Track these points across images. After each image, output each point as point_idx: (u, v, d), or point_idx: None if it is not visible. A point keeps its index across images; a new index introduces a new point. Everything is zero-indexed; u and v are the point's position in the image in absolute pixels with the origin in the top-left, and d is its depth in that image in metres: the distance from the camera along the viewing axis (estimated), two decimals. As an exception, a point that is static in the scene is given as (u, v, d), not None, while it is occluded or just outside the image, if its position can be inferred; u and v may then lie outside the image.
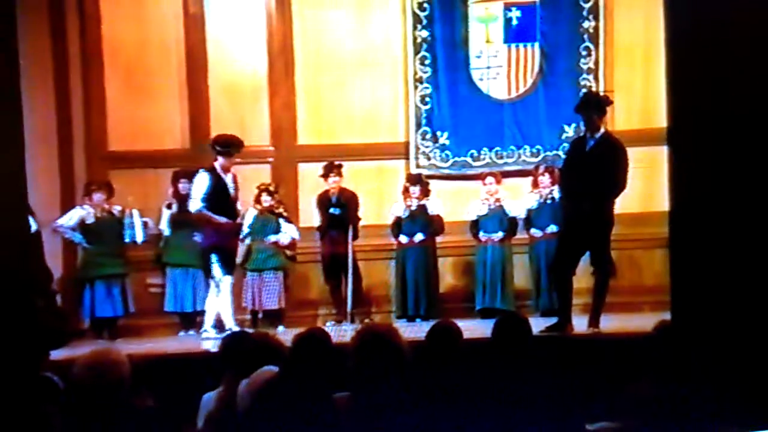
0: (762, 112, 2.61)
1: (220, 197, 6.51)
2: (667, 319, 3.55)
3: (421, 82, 8.39)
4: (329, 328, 6.88)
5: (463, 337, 3.70)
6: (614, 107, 7.99)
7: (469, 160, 8.34)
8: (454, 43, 8.34)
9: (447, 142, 8.38)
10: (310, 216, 7.84)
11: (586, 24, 8.16)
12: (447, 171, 8.34)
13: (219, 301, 6.58)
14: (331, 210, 7.57)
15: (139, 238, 7.16)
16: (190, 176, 7.49)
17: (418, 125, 8.40)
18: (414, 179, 7.87)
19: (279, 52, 8.39)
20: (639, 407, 3.21)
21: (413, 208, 7.73)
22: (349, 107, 8.33)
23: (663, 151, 7.81)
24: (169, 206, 7.44)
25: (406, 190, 7.78)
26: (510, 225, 7.70)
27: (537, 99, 8.24)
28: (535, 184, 7.71)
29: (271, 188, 7.70)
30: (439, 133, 8.38)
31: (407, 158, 8.38)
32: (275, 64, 8.40)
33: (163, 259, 7.46)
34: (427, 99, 8.40)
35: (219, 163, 6.58)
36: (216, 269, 6.53)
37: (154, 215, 7.41)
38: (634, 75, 8.08)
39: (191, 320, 7.40)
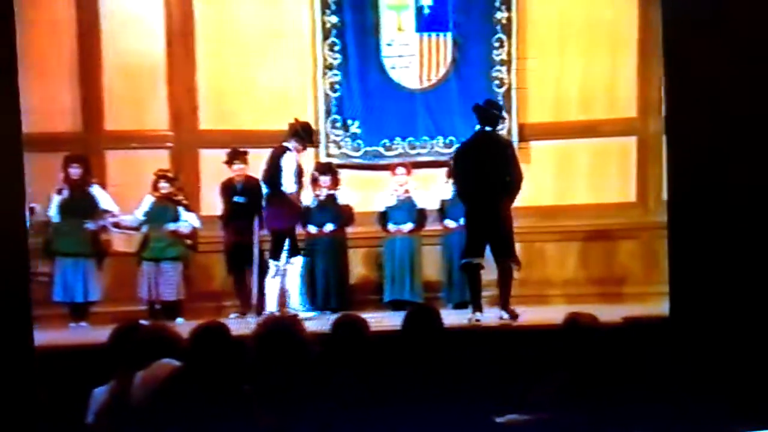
0: (759, 102, 2.70)
1: (300, 179, 6.84)
2: (577, 311, 3.65)
3: (331, 69, 8.35)
4: (232, 320, 6.78)
5: (368, 330, 3.70)
6: (526, 99, 8.23)
7: (381, 149, 8.35)
8: (364, 30, 8.32)
9: (358, 131, 8.37)
10: (213, 204, 7.69)
11: (498, 15, 8.27)
12: (358, 160, 8.32)
13: (274, 284, 6.73)
14: (236, 198, 7.46)
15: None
16: (81, 161, 7.28)
17: (328, 113, 8.36)
18: (323, 168, 7.82)
19: (179, 33, 8.18)
20: (547, 400, 3.28)
21: (322, 197, 7.69)
22: (254, 92, 8.19)
23: (575, 145, 8.05)
24: (59, 192, 7.19)
25: (315, 180, 7.72)
26: (419, 216, 7.73)
27: (450, 89, 8.31)
28: (450, 175, 7.80)
29: (170, 174, 7.56)
30: (349, 122, 8.35)
31: (317, 147, 8.34)
32: (174, 44, 8.20)
33: (52, 248, 7.20)
34: (337, 86, 8.36)
35: (293, 145, 6.84)
36: (284, 253, 6.72)
37: (43, 201, 7.13)
38: (547, 68, 8.25)
39: (82, 311, 7.18)
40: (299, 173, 6.85)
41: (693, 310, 2.82)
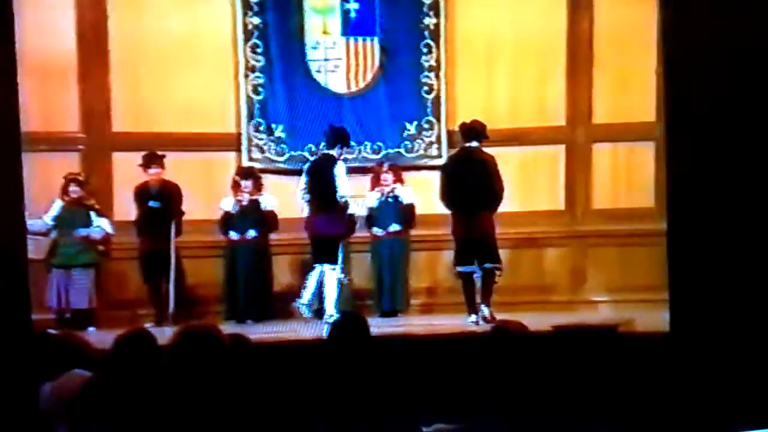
0: (760, 108, 2.75)
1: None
2: (506, 319, 3.69)
3: (253, 72, 8.29)
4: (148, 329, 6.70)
5: (250, 343, 3.67)
6: (455, 106, 8.34)
7: (306, 155, 8.30)
8: (288, 32, 8.28)
9: (283, 135, 8.32)
10: (127, 209, 7.59)
11: (426, 21, 8.34)
12: (282, 165, 8.26)
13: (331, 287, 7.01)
14: (151, 203, 7.39)
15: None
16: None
17: (251, 116, 8.29)
18: (245, 172, 7.77)
19: (91, 30, 8.02)
20: (475, 409, 3.31)
21: (244, 203, 7.64)
22: (172, 94, 8.08)
23: (504, 152, 8.17)
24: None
25: (235, 184, 7.67)
26: (347, 222, 7.71)
27: (378, 95, 8.34)
28: (377, 182, 7.83)
29: (81, 178, 7.44)
30: (273, 126, 8.30)
31: (239, 150, 8.27)
32: (86, 42, 8.02)
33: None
34: (260, 89, 8.31)
35: (338, 152, 7.11)
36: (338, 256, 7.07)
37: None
38: (476, 74, 8.37)
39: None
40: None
41: (694, 319, 2.87)
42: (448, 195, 6.78)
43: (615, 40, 8.04)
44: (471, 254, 6.70)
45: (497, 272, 6.74)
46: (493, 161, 6.74)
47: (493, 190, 6.65)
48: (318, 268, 7.01)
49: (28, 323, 2.72)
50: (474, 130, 6.79)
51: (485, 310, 6.62)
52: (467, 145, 6.82)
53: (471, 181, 6.63)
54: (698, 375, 2.88)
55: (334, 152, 7.09)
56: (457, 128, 8.22)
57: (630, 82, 8.03)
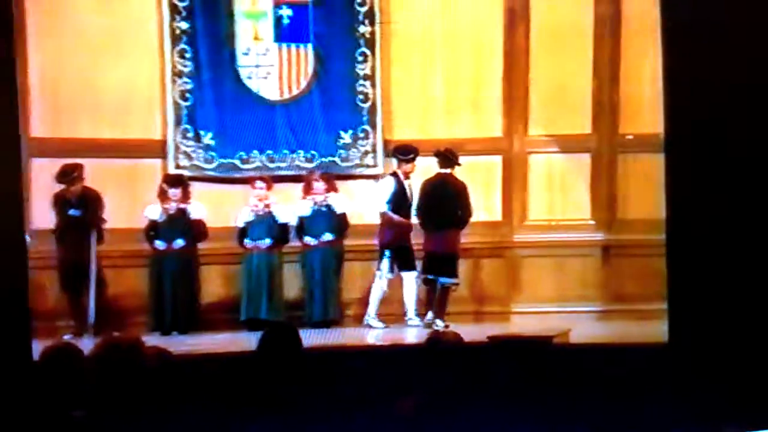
0: (760, 120, 2.79)
1: (401, 200, 7.66)
2: (441, 330, 3.70)
3: (181, 77, 8.21)
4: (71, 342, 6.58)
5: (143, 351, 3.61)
6: (391, 115, 8.37)
7: (237, 162, 8.25)
8: (218, 38, 8.25)
9: (212, 143, 8.25)
10: (45, 217, 7.45)
11: (362, 29, 8.37)
12: (211, 173, 8.20)
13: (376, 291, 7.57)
14: (71, 211, 7.31)
15: None
16: None
17: (178, 122, 8.21)
18: (172, 180, 7.71)
19: (8, 31, 7.86)
20: (409, 421, 3.30)
21: (171, 211, 7.57)
22: (94, 98, 7.98)
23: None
24: None
25: (162, 192, 7.60)
26: (280, 232, 7.72)
27: (311, 102, 8.33)
28: (309, 191, 7.80)
29: (-4, 185, 7.25)
30: (202, 133, 8.22)
31: (165, 157, 8.15)
32: (2, 44, 7.85)
33: None
34: (188, 95, 8.23)
35: (402, 169, 7.68)
36: (384, 265, 7.53)
37: None
38: (412, 83, 8.43)
39: None
40: (396, 196, 7.67)
41: (692, 329, 2.91)
42: (423, 214, 7.60)
43: (551, 51, 8.19)
44: (436, 266, 7.51)
45: (453, 287, 7.48)
46: (465, 187, 7.56)
47: (463, 213, 7.54)
48: (384, 278, 7.52)
49: (27, 323, 2.67)
50: (447, 158, 7.60)
51: (439, 324, 7.19)
52: (442, 171, 7.59)
53: (444, 203, 7.54)
54: (696, 382, 2.93)
55: (399, 170, 7.67)
56: (393, 138, 8.35)
57: (566, 93, 8.19)
